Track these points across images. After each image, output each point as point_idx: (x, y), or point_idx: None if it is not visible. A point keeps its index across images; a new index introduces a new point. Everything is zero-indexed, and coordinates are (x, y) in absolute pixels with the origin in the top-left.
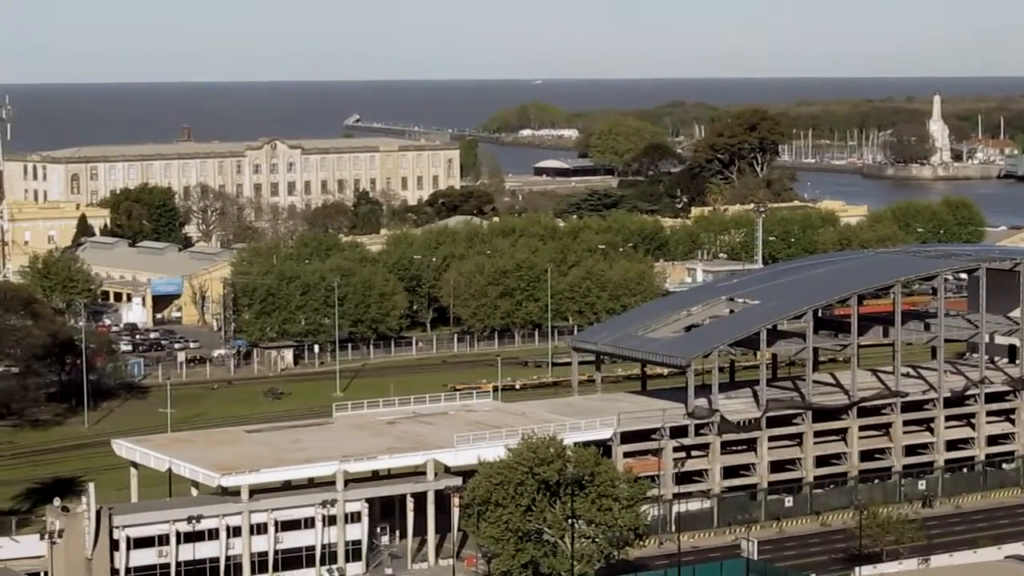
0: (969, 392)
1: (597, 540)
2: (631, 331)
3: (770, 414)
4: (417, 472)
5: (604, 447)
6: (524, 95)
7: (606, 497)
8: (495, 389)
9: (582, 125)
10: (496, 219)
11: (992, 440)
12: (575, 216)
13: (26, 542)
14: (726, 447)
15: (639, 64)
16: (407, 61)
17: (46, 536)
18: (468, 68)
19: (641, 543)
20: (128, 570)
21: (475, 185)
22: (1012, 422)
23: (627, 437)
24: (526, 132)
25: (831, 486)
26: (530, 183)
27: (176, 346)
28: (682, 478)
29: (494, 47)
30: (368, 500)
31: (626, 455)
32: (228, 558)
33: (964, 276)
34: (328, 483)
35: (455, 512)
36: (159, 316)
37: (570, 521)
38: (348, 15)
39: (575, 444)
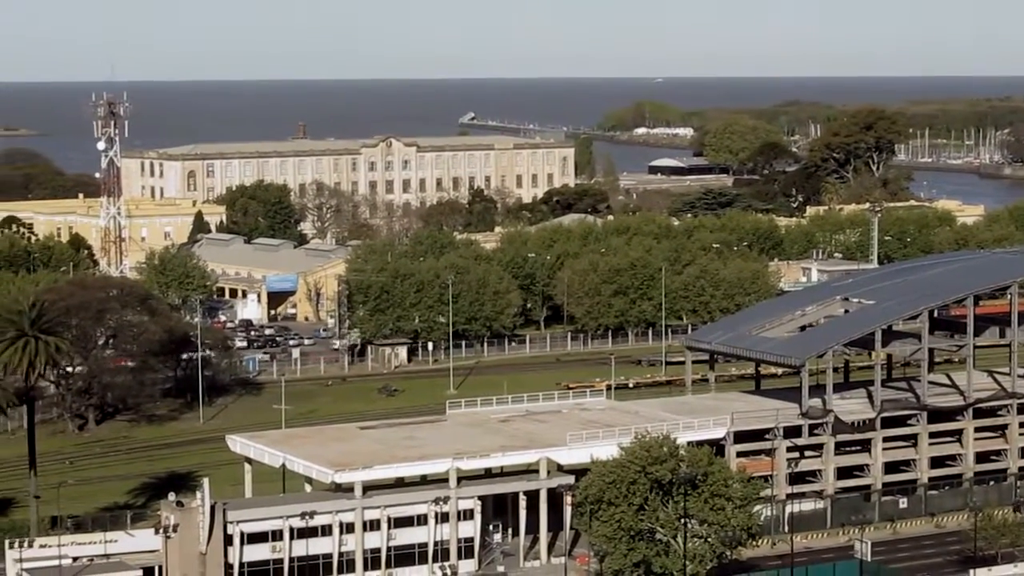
0: None
1: (710, 540)
2: (745, 330)
3: (885, 415)
4: (530, 470)
5: (717, 446)
6: (643, 93)
7: (719, 497)
8: (608, 388)
9: (697, 123)
10: (610, 217)
11: None
12: (690, 215)
13: (141, 536)
14: (840, 448)
15: (757, 63)
16: (523, 59)
17: (161, 531)
18: (587, 66)
19: (754, 543)
20: (242, 565)
21: (590, 183)
22: None
23: (740, 437)
24: (641, 130)
25: (946, 488)
26: (644, 181)
27: (291, 343)
28: (795, 478)
29: (614, 45)
30: (481, 498)
31: (739, 455)
32: (341, 554)
33: None
34: (441, 480)
35: (567, 510)
36: (274, 313)
37: (683, 520)
38: (464, 15)
39: (688, 443)
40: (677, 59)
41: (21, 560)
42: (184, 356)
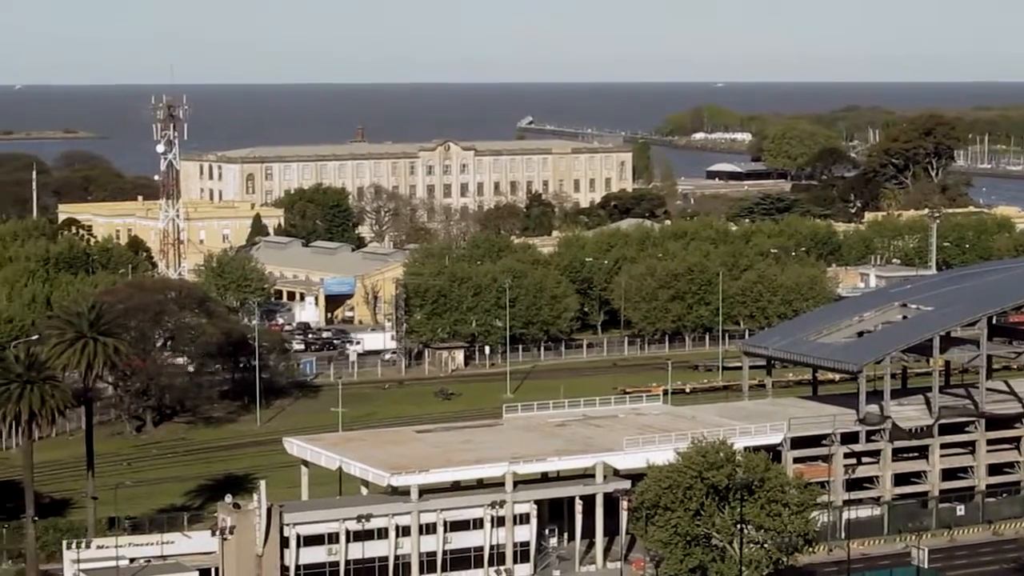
0: None
1: (766, 546)
2: (802, 336)
3: (942, 421)
4: (586, 474)
5: (774, 452)
6: (703, 98)
7: (775, 503)
8: (665, 392)
9: (756, 128)
10: (668, 222)
11: None
12: (747, 220)
13: (198, 538)
14: (897, 454)
15: (817, 67)
16: (582, 64)
17: (217, 532)
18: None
19: (810, 550)
20: (298, 567)
21: (647, 188)
22: None
23: (797, 442)
24: (699, 135)
25: (1004, 495)
26: (702, 186)
27: (348, 346)
28: (852, 484)
29: (674, 50)
30: (537, 502)
31: (796, 460)
32: (397, 557)
33: None
34: (497, 484)
35: (623, 515)
36: (331, 316)
37: (739, 526)
38: (523, 19)
39: (745, 449)
40: (738, 64)
41: (79, 561)
42: (241, 358)
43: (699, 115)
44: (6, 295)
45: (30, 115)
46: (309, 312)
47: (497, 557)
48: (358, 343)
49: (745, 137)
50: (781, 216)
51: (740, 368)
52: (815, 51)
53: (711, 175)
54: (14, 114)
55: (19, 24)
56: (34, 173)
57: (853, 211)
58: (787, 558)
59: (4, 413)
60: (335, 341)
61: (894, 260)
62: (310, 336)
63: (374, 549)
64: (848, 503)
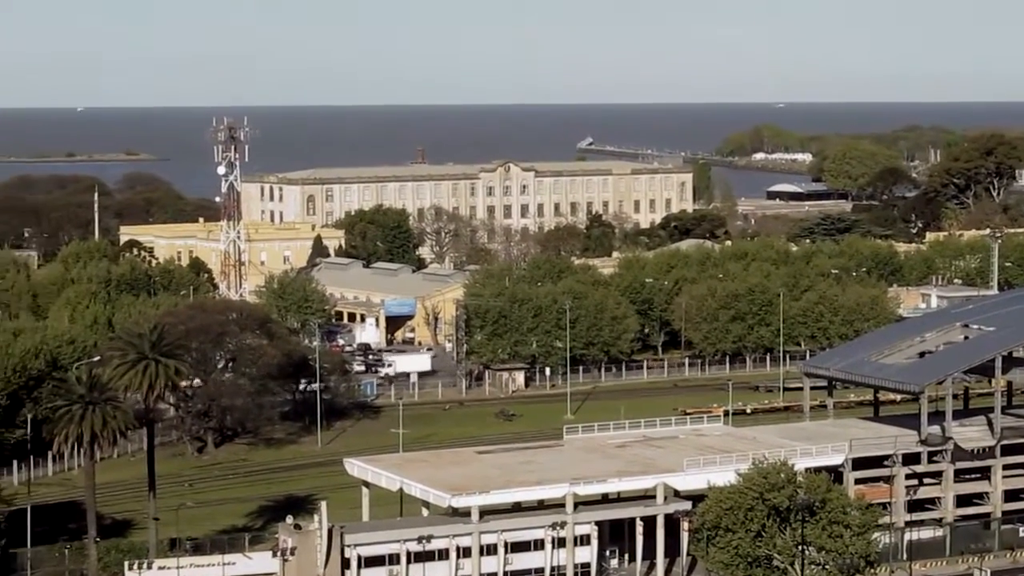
0: None
1: (827, 567)
2: (864, 357)
3: (1005, 442)
4: (647, 496)
5: (835, 473)
6: (764, 118)
7: (837, 524)
8: (726, 413)
9: (816, 149)
10: (728, 243)
11: None
12: (808, 240)
13: (259, 559)
14: (959, 475)
15: (876, 87)
16: (642, 85)
17: (278, 553)
18: (707, 92)
19: (872, 571)
20: None
21: (707, 208)
22: None
23: (859, 463)
24: (759, 155)
25: None
26: (763, 207)
27: (380, 369)
28: (914, 506)
29: (733, 70)
30: (598, 523)
31: (857, 481)
32: None
33: None
34: (558, 505)
35: (684, 536)
36: (392, 337)
37: (800, 547)
38: (583, 41)
39: (806, 470)
40: (799, 84)
41: None
42: (302, 380)
43: (759, 135)
44: (68, 316)
45: (92, 137)
46: (370, 333)
47: None
48: (390, 365)
49: (805, 158)
50: (842, 236)
51: (801, 389)
52: (876, 71)
53: (771, 195)
54: (76, 136)
55: (81, 49)
56: (96, 195)
57: (914, 231)
58: None
59: (67, 434)
60: (375, 361)
61: (955, 280)
62: (371, 357)
63: (435, 570)
64: (910, 524)
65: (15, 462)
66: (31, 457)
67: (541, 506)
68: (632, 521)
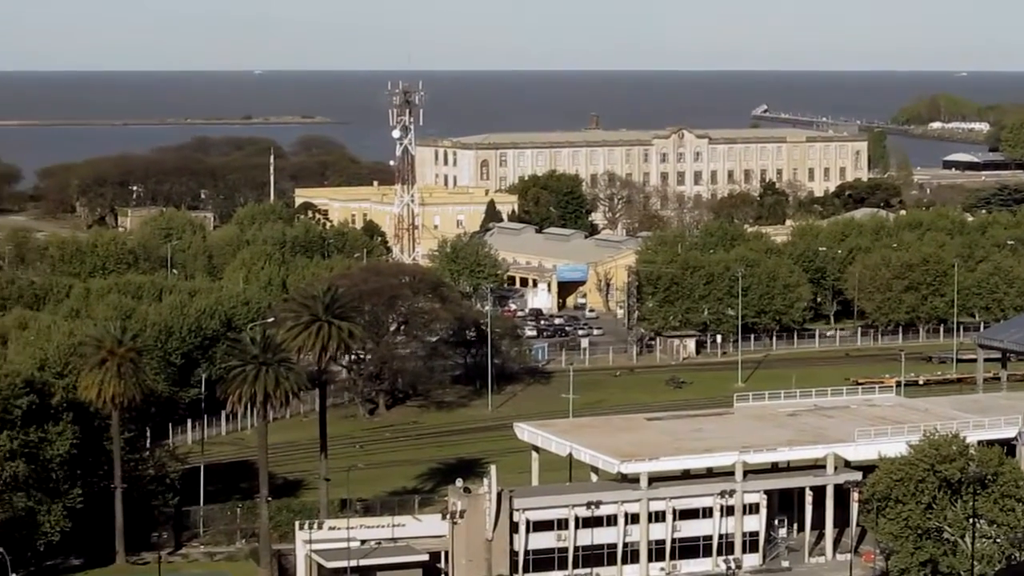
0: None
1: (998, 541)
2: None
3: None
4: (816, 465)
5: (1008, 446)
6: (944, 87)
7: (1009, 497)
8: (898, 384)
9: (994, 118)
10: (903, 212)
11: None
12: (984, 211)
13: (428, 521)
14: None
15: None
16: (820, 52)
17: (447, 516)
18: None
19: None
20: (527, 552)
21: (882, 177)
22: None
23: None
24: (936, 125)
25: None
26: (938, 176)
27: (580, 332)
28: None
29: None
30: (767, 492)
31: None
32: (625, 545)
33: None
34: (727, 473)
35: (854, 507)
36: (563, 302)
37: (971, 520)
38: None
39: (979, 442)
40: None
41: (310, 541)
42: (473, 344)
43: (935, 104)
44: (243, 278)
45: (269, 100)
46: (542, 298)
47: (726, 547)
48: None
49: (983, 127)
50: (1018, 207)
51: (975, 360)
52: None
53: (947, 165)
54: (253, 99)
55: (261, 10)
56: (272, 158)
57: None
58: (1019, 553)
59: (240, 394)
60: (567, 328)
61: None
62: (542, 323)
63: (603, 536)
64: None
65: (189, 421)
66: (205, 416)
67: (710, 474)
68: (801, 491)
